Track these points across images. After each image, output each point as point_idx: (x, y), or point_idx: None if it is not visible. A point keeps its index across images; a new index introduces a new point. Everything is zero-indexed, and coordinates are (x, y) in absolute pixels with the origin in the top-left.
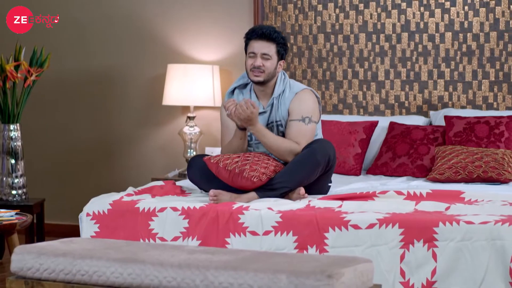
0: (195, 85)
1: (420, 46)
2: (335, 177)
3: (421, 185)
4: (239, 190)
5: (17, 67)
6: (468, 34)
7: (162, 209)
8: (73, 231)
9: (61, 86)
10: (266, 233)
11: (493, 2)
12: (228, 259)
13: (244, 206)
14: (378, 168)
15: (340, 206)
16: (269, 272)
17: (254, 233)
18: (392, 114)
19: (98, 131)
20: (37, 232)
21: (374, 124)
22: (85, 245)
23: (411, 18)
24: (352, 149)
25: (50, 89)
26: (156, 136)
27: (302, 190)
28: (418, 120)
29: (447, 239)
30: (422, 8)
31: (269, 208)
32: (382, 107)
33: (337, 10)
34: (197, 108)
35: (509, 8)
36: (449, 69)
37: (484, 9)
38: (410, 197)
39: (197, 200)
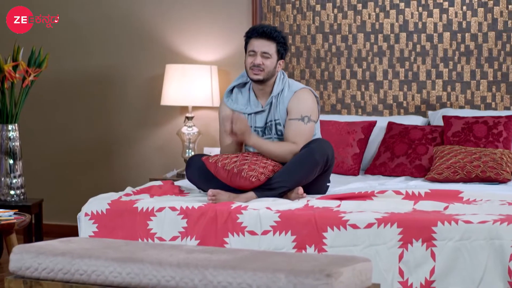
0: (193, 85)
1: (418, 46)
2: (333, 177)
3: (420, 185)
4: (238, 190)
5: (15, 67)
6: (467, 34)
7: (160, 209)
8: (72, 232)
9: (59, 86)
10: (265, 232)
11: (491, 2)
12: (226, 258)
13: (243, 205)
14: (377, 168)
15: (339, 206)
16: (268, 271)
17: (252, 233)
18: (391, 114)
19: (96, 131)
20: (35, 232)
21: (372, 124)
22: (84, 245)
23: (409, 18)
24: (350, 149)
25: (48, 89)
26: (154, 136)
27: (300, 189)
28: (416, 120)
29: (446, 238)
30: (420, 8)
31: (268, 208)
32: (380, 107)
33: (335, 10)
34: (195, 108)
35: (507, 8)
36: (447, 69)
37: (482, 9)
38: (408, 196)
39: (195, 200)
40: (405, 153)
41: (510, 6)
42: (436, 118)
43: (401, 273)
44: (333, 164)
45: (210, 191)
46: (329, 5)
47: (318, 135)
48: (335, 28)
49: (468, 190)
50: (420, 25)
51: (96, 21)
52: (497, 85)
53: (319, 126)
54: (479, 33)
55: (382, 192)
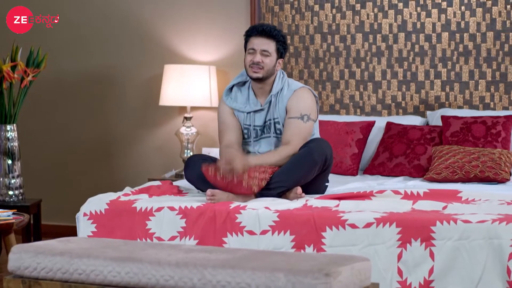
0: (192, 85)
1: (417, 46)
2: (332, 177)
3: (418, 185)
4: None
5: (13, 68)
6: (465, 34)
7: (159, 209)
8: (70, 232)
9: (58, 87)
10: (263, 232)
11: (490, 2)
12: (225, 257)
13: (241, 205)
14: (375, 168)
15: (337, 206)
16: (267, 270)
17: (251, 233)
18: (389, 114)
19: (95, 131)
20: (34, 232)
21: (371, 124)
22: (82, 244)
23: (407, 18)
24: (349, 149)
25: (47, 90)
26: (153, 137)
27: (299, 189)
28: (415, 120)
29: (445, 238)
30: (418, 8)
31: (266, 208)
32: (379, 107)
33: (334, 11)
34: (194, 108)
35: (505, 8)
36: (445, 69)
37: (480, 9)
38: (407, 196)
39: (194, 199)
40: (404, 153)
41: (508, 6)
42: (434, 118)
43: (400, 272)
44: (331, 164)
45: (209, 191)
46: (327, 5)
47: (317, 135)
48: (333, 28)
49: (467, 190)
50: (418, 25)
51: (94, 21)
52: (496, 85)
53: (318, 126)
54: (477, 33)
55: (381, 192)
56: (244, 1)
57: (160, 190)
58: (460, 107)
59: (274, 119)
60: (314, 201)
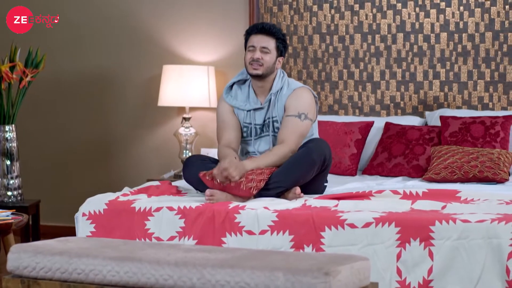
0: (190, 86)
1: (415, 46)
2: (331, 178)
3: (417, 185)
4: None
5: (12, 68)
6: (464, 35)
7: (158, 209)
8: (69, 233)
9: (57, 87)
10: (262, 232)
11: (488, 2)
12: (225, 257)
13: (240, 205)
14: (374, 169)
15: (336, 206)
16: (266, 270)
17: (250, 233)
18: (388, 114)
19: (94, 132)
20: (32, 233)
21: (369, 125)
22: (82, 244)
23: (406, 19)
24: (347, 149)
25: (46, 90)
26: (151, 137)
27: (298, 189)
28: (413, 121)
29: (444, 237)
30: (417, 9)
31: (265, 208)
32: (377, 107)
33: (332, 11)
34: (192, 109)
35: (504, 8)
36: (444, 70)
37: (479, 9)
38: (406, 196)
39: (193, 199)
40: (403, 154)
41: (507, 7)
42: (433, 118)
43: (399, 272)
44: (330, 164)
45: (208, 191)
46: (326, 6)
47: (316, 135)
48: (332, 28)
49: (466, 190)
50: (417, 26)
51: (94, 22)
52: (494, 85)
53: (317, 126)
54: (476, 34)
55: (380, 192)
56: (242, 2)
57: (159, 190)
58: (458, 107)
59: (272, 117)
60: (313, 201)
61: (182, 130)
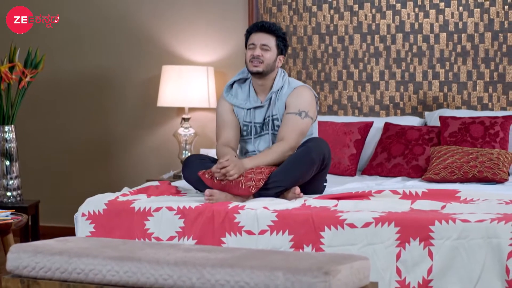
0: (190, 86)
1: (414, 46)
2: (330, 178)
3: (417, 185)
4: None
5: (11, 68)
6: (463, 35)
7: (157, 209)
8: (68, 233)
9: (56, 87)
10: (262, 232)
11: (488, 2)
12: (224, 257)
13: (240, 205)
14: (373, 169)
15: (336, 205)
16: (265, 269)
17: (250, 233)
18: (387, 114)
19: (93, 132)
20: (32, 234)
21: (369, 125)
22: (81, 244)
23: (405, 19)
24: (347, 149)
25: (45, 90)
26: (151, 138)
27: (297, 189)
28: (413, 121)
29: (443, 237)
30: (416, 9)
31: (265, 208)
32: (377, 107)
33: (332, 11)
34: (192, 109)
35: (503, 8)
36: (443, 70)
37: (478, 9)
38: (406, 196)
39: (192, 199)
40: (402, 154)
41: (506, 7)
42: (432, 118)
43: (398, 272)
44: (329, 163)
45: (207, 191)
46: (325, 6)
47: (316, 135)
48: (331, 29)
49: (465, 190)
50: (416, 26)
51: (94, 22)
52: (494, 85)
53: (317, 126)
54: (475, 34)
55: (379, 192)
56: (242, 2)
57: (159, 190)
58: (458, 108)
59: (273, 115)
60: (312, 201)
61: (181, 131)
